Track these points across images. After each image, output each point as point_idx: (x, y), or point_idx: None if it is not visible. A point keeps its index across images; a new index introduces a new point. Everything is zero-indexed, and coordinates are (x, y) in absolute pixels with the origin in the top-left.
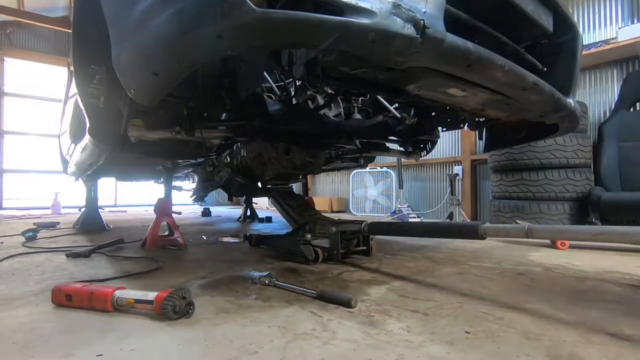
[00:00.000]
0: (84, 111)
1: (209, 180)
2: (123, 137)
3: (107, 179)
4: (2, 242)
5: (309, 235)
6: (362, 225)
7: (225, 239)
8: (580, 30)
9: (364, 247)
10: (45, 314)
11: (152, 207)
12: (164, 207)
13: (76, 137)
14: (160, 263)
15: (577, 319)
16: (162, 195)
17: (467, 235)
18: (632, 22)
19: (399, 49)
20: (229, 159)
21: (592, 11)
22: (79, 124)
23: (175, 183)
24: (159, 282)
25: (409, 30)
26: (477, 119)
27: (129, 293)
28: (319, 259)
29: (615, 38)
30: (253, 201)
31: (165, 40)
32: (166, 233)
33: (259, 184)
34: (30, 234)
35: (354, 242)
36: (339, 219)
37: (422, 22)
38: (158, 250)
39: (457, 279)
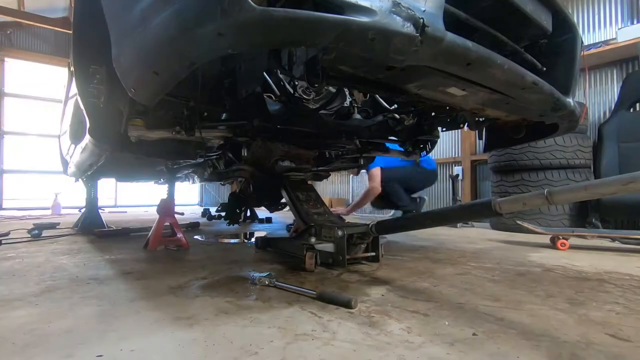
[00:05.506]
0: (84, 111)
1: (219, 175)
2: (123, 137)
3: (107, 180)
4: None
5: (313, 239)
6: (370, 225)
7: (225, 240)
8: (580, 31)
9: (373, 253)
10: (45, 314)
11: (152, 208)
12: (166, 208)
13: (76, 137)
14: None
15: (577, 319)
16: (164, 195)
17: (481, 213)
18: (632, 23)
19: (398, 47)
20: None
21: (592, 12)
22: (79, 125)
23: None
24: (159, 282)
25: (409, 28)
26: (476, 119)
27: None
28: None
29: (615, 39)
30: None
31: (165, 39)
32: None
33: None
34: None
35: (362, 247)
36: (347, 222)
37: (421, 20)
38: (159, 250)
39: (457, 279)
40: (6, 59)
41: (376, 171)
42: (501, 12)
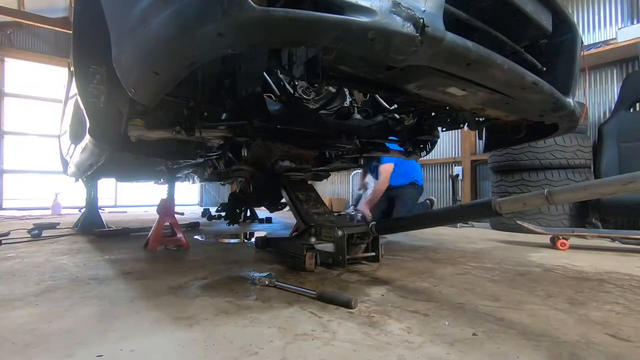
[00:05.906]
0: (84, 111)
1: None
2: (123, 137)
3: (107, 180)
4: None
5: (313, 239)
6: (370, 225)
7: (225, 240)
8: (580, 31)
9: (373, 253)
10: (45, 314)
11: (152, 208)
12: (166, 208)
13: (76, 137)
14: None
15: (577, 319)
16: (164, 195)
17: (481, 213)
18: (632, 23)
19: (398, 47)
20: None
21: (592, 12)
22: (79, 125)
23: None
24: (159, 282)
25: (409, 28)
26: (476, 119)
27: None
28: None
29: (615, 39)
30: None
31: (165, 38)
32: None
33: (269, 186)
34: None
35: (362, 247)
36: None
37: (421, 20)
38: (159, 250)
39: (457, 279)
40: (6, 59)
41: (388, 167)
42: (501, 12)
